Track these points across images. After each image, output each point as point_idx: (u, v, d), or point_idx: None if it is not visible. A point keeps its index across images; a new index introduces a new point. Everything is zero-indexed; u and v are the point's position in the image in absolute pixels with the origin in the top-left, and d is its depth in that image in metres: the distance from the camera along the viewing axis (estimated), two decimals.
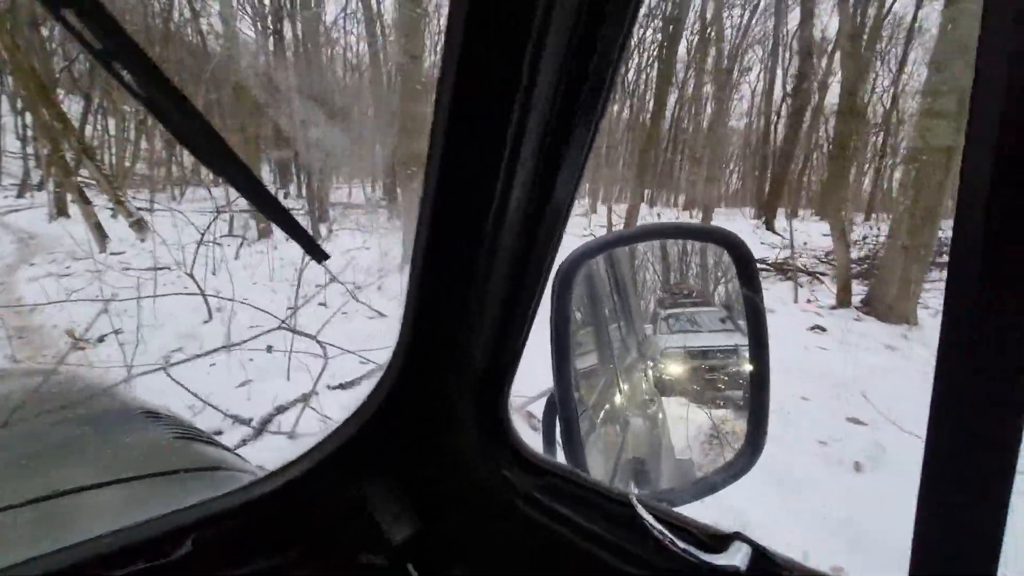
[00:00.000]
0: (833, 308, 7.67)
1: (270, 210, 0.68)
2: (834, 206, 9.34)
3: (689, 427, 1.05)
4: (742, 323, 0.93)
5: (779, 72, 23.19)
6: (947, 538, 0.38)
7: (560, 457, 0.86)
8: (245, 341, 4.41)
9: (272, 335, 4.55)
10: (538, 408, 0.93)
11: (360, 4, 18.13)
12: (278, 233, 8.64)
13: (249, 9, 14.72)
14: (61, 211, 11.37)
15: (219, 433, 3.30)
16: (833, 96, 19.41)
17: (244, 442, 3.28)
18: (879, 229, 12.42)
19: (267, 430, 3.42)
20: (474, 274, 0.69)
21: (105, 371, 4.10)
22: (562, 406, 0.86)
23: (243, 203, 9.11)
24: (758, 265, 0.91)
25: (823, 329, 6.50)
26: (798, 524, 2.76)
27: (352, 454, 0.81)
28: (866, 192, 24.23)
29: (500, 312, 0.72)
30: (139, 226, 9.22)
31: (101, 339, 4.73)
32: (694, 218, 18.69)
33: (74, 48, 12.96)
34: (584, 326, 1.10)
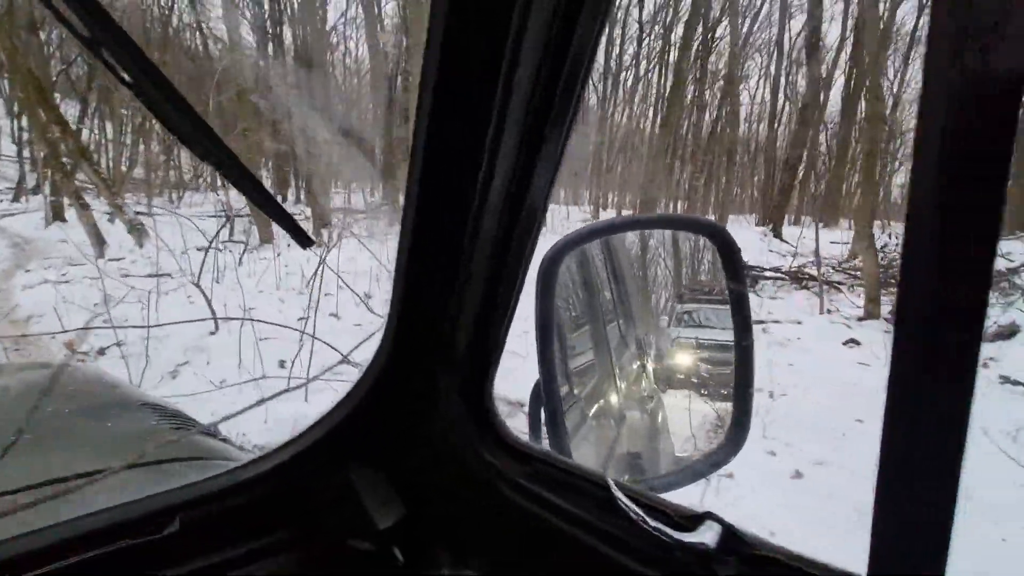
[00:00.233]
0: (861, 320, 7.48)
1: (255, 194, 0.70)
2: (862, 214, 9.14)
3: (692, 418, 1.06)
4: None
5: (782, 79, 23.06)
6: (901, 538, 0.39)
7: (546, 444, 0.88)
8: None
9: (286, 350, 4.30)
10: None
11: (360, 7, 17.96)
12: (281, 238, 8.43)
13: (248, 14, 14.53)
14: (57, 216, 11.20)
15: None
16: (834, 102, 19.37)
17: None
18: (895, 236, 12.26)
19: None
20: (457, 265, 0.72)
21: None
22: (546, 394, 0.88)
23: (244, 207, 8.93)
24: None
25: (857, 343, 6.33)
26: None
27: (339, 441, 0.83)
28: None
29: (483, 302, 0.74)
30: (138, 232, 9.01)
31: (102, 351, 4.49)
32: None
33: (71, 51, 12.83)
34: (580, 318, 1.12)
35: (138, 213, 9.54)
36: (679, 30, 21.01)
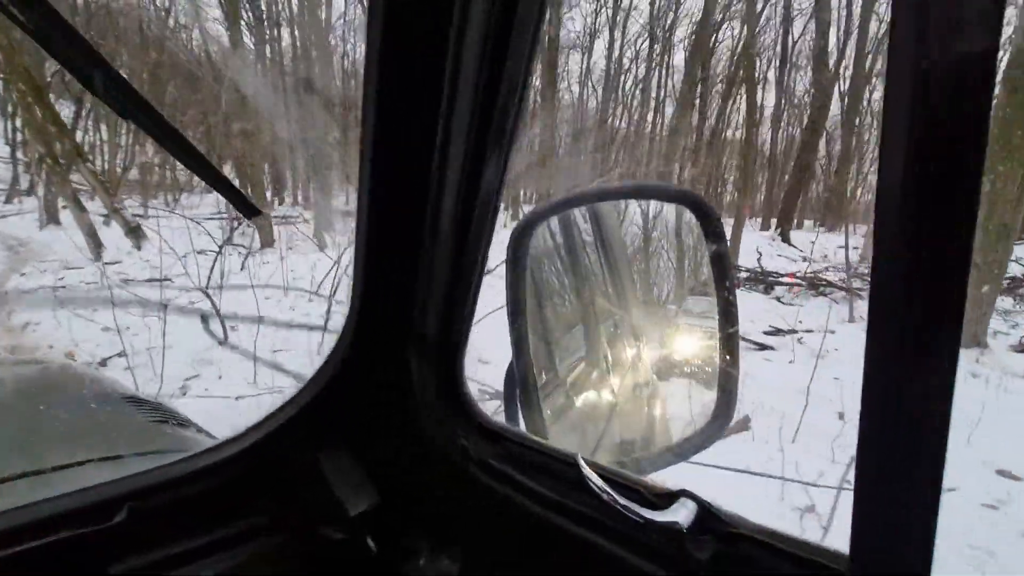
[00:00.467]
0: None
1: (194, 163, 0.69)
2: None
3: (684, 402, 1.03)
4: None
5: (783, 82, 23.00)
6: (883, 539, 0.39)
7: (523, 426, 0.86)
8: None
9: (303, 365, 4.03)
10: None
11: (361, 8, 17.77)
12: (282, 242, 8.19)
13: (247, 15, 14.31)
14: (52, 218, 10.81)
15: None
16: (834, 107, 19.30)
17: None
18: None
19: None
20: (420, 241, 0.72)
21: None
22: (520, 374, 0.86)
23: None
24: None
25: None
26: None
27: (306, 424, 0.81)
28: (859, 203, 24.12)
29: (449, 281, 0.74)
30: (135, 235, 8.76)
31: (103, 363, 4.23)
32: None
33: None
34: (564, 294, 1.10)
35: (134, 215, 9.28)
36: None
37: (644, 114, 25.33)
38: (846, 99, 19.45)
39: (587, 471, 0.61)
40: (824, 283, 9.27)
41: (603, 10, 23.48)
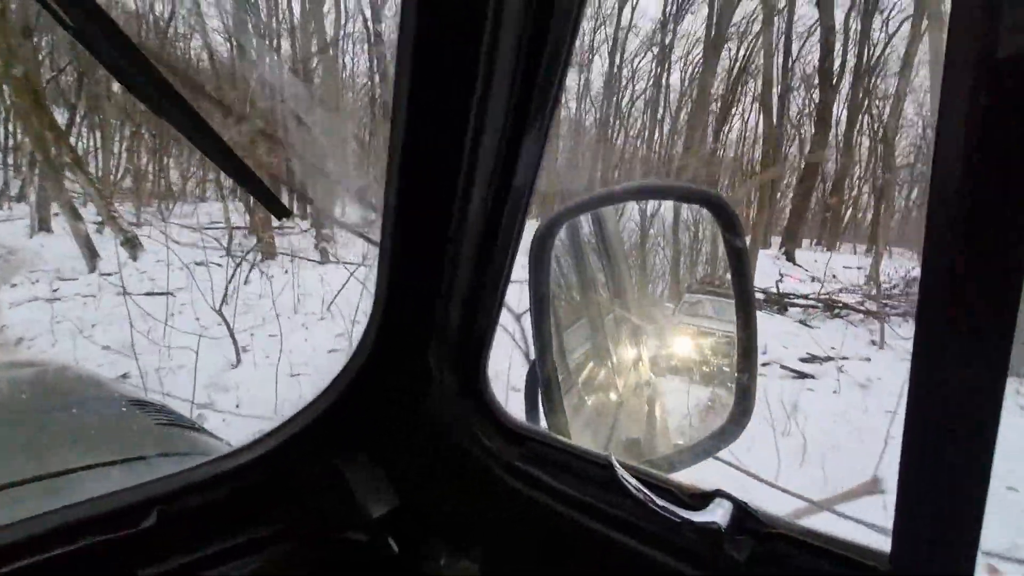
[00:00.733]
0: None
1: (229, 163, 0.68)
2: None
3: (691, 402, 1.02)
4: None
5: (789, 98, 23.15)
6: (926, 539, 0.38)
7: (544, 425, 0.86)
8: None
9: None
10: None
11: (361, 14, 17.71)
12: (285, 256, 7.93)
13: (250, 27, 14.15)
14: (43, 225, 10.46)
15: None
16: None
17: None
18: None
19: None
20: (445, 244, 0.71)
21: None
22: (542, 372, 0.86)
23: (242, 219, 8.38)
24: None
25: None
26: None
27: (327, 428, 0.81)
28: (862, 219, 24.24)
29: (473, 281, 0.74)
30: (131, 244, 8.50)
31: None
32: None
33: (63, 59, 12.42)
34: (572, 296, 1.09)
35: (130, 224, 8.97)
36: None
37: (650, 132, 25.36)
38: (844, 116, 19.56)
39: (621, 472, 0.61)
40: (840, 305, 9.08)
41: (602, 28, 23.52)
